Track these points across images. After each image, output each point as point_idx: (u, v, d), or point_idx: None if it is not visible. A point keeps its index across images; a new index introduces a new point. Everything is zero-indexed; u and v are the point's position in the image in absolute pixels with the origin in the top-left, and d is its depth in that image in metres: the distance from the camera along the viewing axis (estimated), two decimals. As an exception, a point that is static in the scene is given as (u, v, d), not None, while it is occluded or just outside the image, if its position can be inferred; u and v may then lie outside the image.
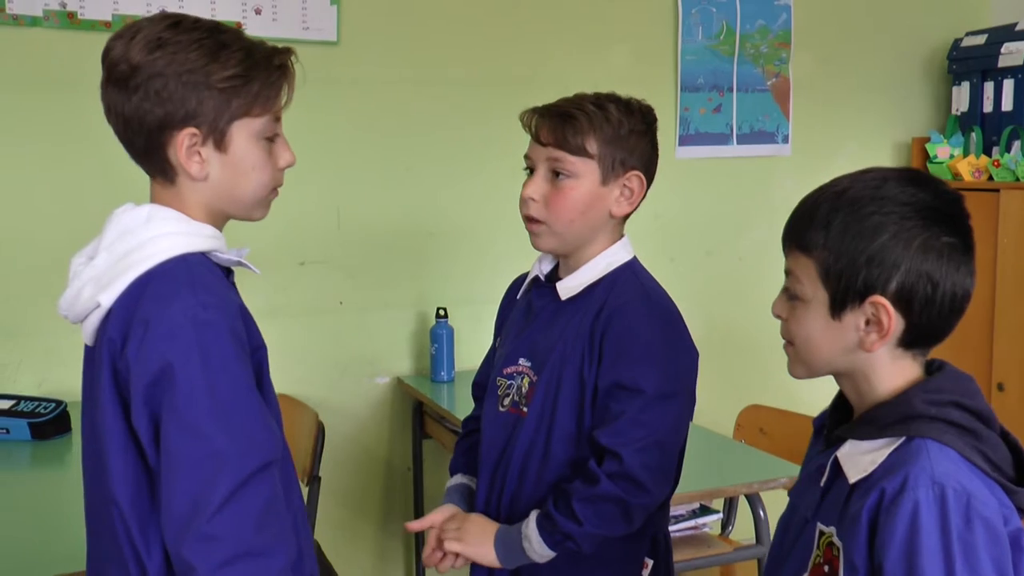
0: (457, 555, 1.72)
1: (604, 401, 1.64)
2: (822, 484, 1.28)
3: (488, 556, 1.69)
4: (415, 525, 1.84)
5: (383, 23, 3.18)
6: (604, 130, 1.65)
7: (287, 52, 1.40)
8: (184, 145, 1.32)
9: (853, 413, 1.31)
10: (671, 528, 2.47)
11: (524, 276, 1.89)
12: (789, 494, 1.41)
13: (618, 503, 1.61)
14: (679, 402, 1.66)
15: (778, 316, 1.32)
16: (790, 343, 1.31)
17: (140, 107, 1.31)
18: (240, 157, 1.36)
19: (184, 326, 1.24)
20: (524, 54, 3.36)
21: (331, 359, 3.23)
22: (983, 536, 1.11)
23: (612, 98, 1.70)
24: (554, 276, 1.79)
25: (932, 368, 1.28)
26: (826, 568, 1.24)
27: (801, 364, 1.30)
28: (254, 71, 1.34)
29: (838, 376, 1.31)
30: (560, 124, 1.66)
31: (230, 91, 1.32)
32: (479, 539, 1.70)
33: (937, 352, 1.30)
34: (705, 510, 2.62)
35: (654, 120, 1.73)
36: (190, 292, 1.26)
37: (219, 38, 1.33)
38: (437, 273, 3.32)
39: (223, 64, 1.31)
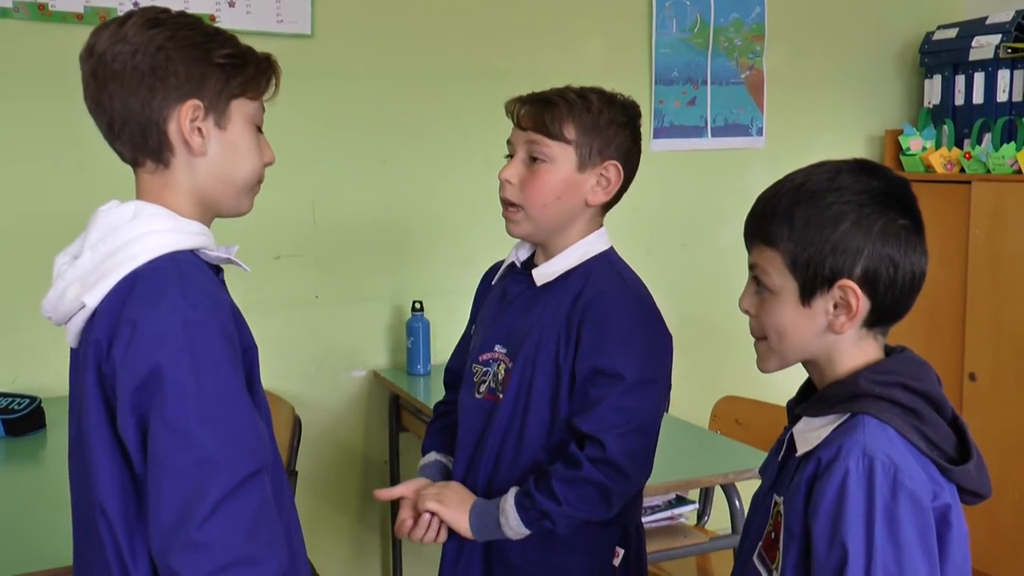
0: (433, 519, 1.73)
1: (583, 387, 1.66)
2: (779, 459, 1.37)
3: (462, 523, 1.70)
4: (384, 493, 1.83)
5: (358, 16, 3.18)
6: (583, 118, 1.67)
7: (269, 54, 1.43)
8: (187, 118, 1.31)
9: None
10: (647, 519, 2.49)
11: (500, 263, 1.90)
12: (759, 472, 1.49)
13: (599, 488, 1.63)
14: (658, 388, 1.69)
15: (746, 311, 1.37)
16: (761, 338, 1.36)
17: (143, 81, 1.29)
18: (237, 137, 1.36)
19: (173, 328, 1.20)
20: (499, 47, 3.36)
21: (307, 353, 3.23)
22: (907, 507, 1.18)
23: (596, 90, 1.72)
24: (530, 264, 1.80)
25: (894, 353, 1.34)
26: (772, 535, 1.32)
27: (774, 355, 1.35)
28: (247, 55, 1.37)
29: (807, 363, 1.37)
30: (540, 109, 1.68)
31: (229, 68, 1.33)
32: (457, 505, 1.72)
33: (910, 342, 1.35)
34: (681, 500, 2.63)
35: (637, 115, 1.75)
36: (179, 292, 1.23)
37: (212, 26, 1.36)
38: (413, 266, 3.31)
39: (220, 43, 1.34)
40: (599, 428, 1.62)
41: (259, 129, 1.41)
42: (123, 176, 1.41)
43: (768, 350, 1.35)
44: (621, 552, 1.76)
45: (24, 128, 2.83)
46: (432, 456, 1.91)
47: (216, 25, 1.38)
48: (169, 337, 1.20)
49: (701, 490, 2.90)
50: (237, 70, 1.34)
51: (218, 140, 1.34)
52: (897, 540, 1.17)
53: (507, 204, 1.73)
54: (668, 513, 2.60)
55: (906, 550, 1.17)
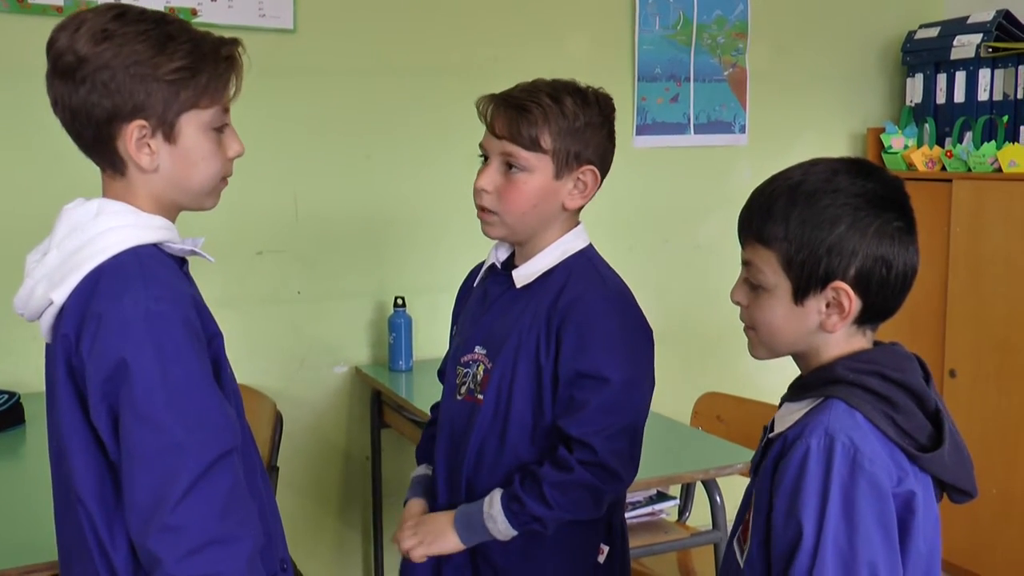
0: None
1: (568, 390, 1.65)
2: (762, 445, 1.38)
3: (451, 543, 1.70)
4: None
5: (340, 10, 3.16)
6: (559, 124, 1.65)
7: (234, 43, 1.40)
8: (133, 138, 1.32)
9: None
10: (628, 514, 2.50)
11: (481, 265, 1.89)
12: (751, 462, 1.49)
13: (591, 490, 1.64)
14: (642, 388, 1.69)
15: (737, 303, 1.38)
16: (751, 328, 1.37)
17: (87, 100, 1.30)
18: (189, 148, 1.36)
19: (136, 320, 1.24)
20: (482, 43, 3.36)
21: (289, 349, 3.22)
22: (864, 489, 1.20)
23: (569, 89, 1.69)
24: (510, 264, 1.80)
25: (882, 346, 1.36)
26: (748, 518, 1.34)
27: (763, 347, 1.37)
28: (202, 63, 1.34)
29: (796, 355, 1.38)
30: (515, 117, 1.65)
31: (178, 83, 1.32)
32: (440, 533, 1.71)
33: (891, 339, 1.36)
34: (662, 496, 2.64)
35: (612, 111, 1.73)
36: (141, 285, 1.27)
37: (165, 29, 1.33)
38: (395, 262, 3.31)
39: (170, 56, 1.31)
40: (587, 432, 1.62)
41: (221, 130, 1.39)
42: (100, 174, 1.41)
43: (758, 340, 1.37)
44: (606, 549, 1.77)
45: (1, 122, 2.80)
46: (423, 469, 1.91)
47: (177, 22, 1.35)
48: (132, 329, 1.24)
49: (682, 486, 2.91)
50: (187, 82, 1.32)
51: (169, 154, 1.35)
52: (852, 520, 1.19)
53: (482, 209, 1.72)
54: (649, 509, 2.61)
55: (861, 530, 1.19)
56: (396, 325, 3.18)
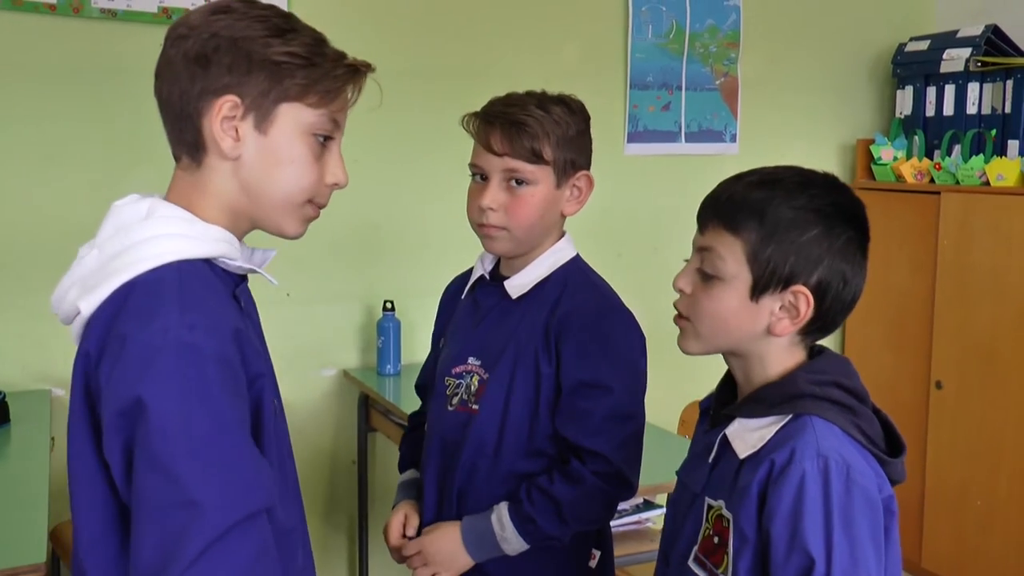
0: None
1: (570, 400, 1.66)
2: (710, 461, 1.35)
3: (462, 563, 1.70)
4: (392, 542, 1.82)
5: (331, 14, 3.15)
6: (555, 134, 1.66)
7: (364, 63, 1.29)
8: (221, 114, 1.17)
9: (738, 393, 1.38)
10: (615, 523, 2.49)
11: (461, 277, 1.89)
12: (677, 474, 1.48)
13: (605, 499, 1.67)
14: (641, 393, 1.71)
15: (680, 290, 1.36)
16: (686, 318, 1.35)
17: (188, 68, 1.17)
18: (279, 144, 1.21)
19: (163, 350, 1.07)
20: (474, 48, 3.36)
21: (277, 351, 3.13)
22: (860, 503, 1.20)
23: (553, 99, 1.70)
24: (497, 273, 1.79)
25: (813, 352, 1.36)
26: (716, 539, 1.31)
27: (700, 340, 1.35)
28: (319, 58, 1.22)
29: (731, 356, 1.37)
30: (514, 133, 1.65)
31: (285, 68, 1.19)
32: (451, 560, 1.70)
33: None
34: (648, 505, 2.64)
35: (589, 116, 1.75)
36: (175, 309, 1.10)
37: (290, 23, 1.23)
38: (384, 266, 3.31)
39: (286, 41, 1.20)
40: (599, 442, 1.63)
41: (325, 145, 1.26)
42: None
43: (694, 333, 1.34)
44: (597, 554, 1.78)
45: (13, 122, 2.79)
46: (410, 473, 1.90)
47: (311, 29, 1.25)
48: (157, 360, 1.07)
49: (668, 495, 2.90)
50: (296, 71, 1.19)
51: (256, 145, 1.20)
52: (852, 536, 1.19)
53: (488, 226, 1.69)
54: (636, 517, 2.61)
55: (860, 544, 1.19)
56: (385, 329, 3.18)
